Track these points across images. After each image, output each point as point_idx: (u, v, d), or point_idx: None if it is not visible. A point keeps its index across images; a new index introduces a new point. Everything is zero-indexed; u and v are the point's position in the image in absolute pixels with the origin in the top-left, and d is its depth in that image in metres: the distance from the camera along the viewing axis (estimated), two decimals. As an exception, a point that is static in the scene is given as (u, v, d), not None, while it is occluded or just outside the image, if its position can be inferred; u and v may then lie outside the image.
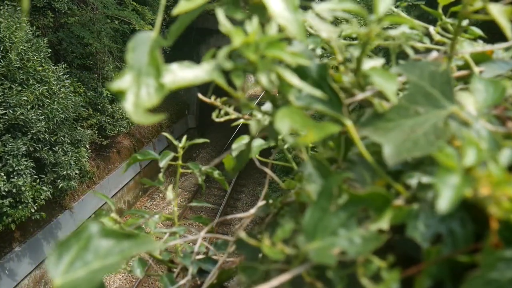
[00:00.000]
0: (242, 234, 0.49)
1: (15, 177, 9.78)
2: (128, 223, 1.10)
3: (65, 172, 11.19)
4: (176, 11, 0.53)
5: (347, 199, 0.46)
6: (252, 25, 0.48)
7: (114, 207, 1.19)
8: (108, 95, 14.40)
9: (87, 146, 12.53)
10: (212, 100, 0.91)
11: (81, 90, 13.31)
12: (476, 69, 0.73)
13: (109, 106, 14.44)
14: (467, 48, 0.72)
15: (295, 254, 0.45)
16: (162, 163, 1.24)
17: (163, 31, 17.86)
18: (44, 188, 10.56)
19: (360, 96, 0.55)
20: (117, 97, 0.47)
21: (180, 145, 1.25)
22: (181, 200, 16.97)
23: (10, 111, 9.92)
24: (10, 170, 9.73)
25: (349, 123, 0.48)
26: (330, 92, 0.49)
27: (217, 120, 0.92)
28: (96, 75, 14.42)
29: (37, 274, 11.74)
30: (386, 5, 0.54)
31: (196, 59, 20.91)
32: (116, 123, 14.58)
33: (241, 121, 0.94)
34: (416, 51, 0.79)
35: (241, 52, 0.47)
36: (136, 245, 0.42)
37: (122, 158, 15.82)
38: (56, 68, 11.55)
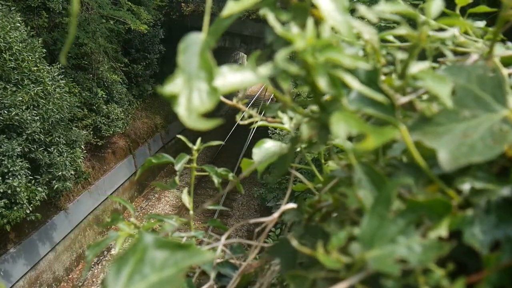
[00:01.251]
0: (294, 242, 0.48)
1: (10, 178, 9.71)
2: (146, 227, 1.08)
3: (60, 173, 11.13)
4: (226, 12, 0.51)
5: (406, 206, 0.45)
6: (309, 28, 0.47)
7: (133, 211, 1.17)
8: (103, 96, 14.34)
9: (82, 146, 12.46)
10: (234, 102, 0.89)
11: (76, 91, 13.25)
12: (505, 71, 0.73)
13: (104, 107, 14.38)
14: (499, 51, 0.71)
15: (351, 262, 0.44)
16: (178, 166, 1.23)
17: (158, 30, 17.75)
18: (39, 189, 10.49)
19: (404, 99, 0.54)
20: (169, 101, 0.45)
21: (195, 147, 1.24)
22: (177, 200, 16.93)
23: (5, 111, 9.85)
24: (5, 171, 9.65)
25: (403, 127, 0.47)
26: (382, 95, 0.48)
27: (241, 123, 0.90)
28: (91, 75, 14.35)
29: (32, 275, 11.66)
30: (438, 8, 0.53)
31: (192, 59, 20.86)
32: (111, 124, 14.52)
33: (260, 123, 0.92)
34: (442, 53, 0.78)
35: (297, 56, 0.45)
36: (189, 256, 0.41)
37: (117, 159, 15.75)
38: (51, 69, 11.48)
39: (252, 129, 20.18)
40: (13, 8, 11.46)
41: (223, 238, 0.96)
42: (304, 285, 0.47)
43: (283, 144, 0.98)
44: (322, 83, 0.44)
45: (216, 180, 1.21)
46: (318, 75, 0.44)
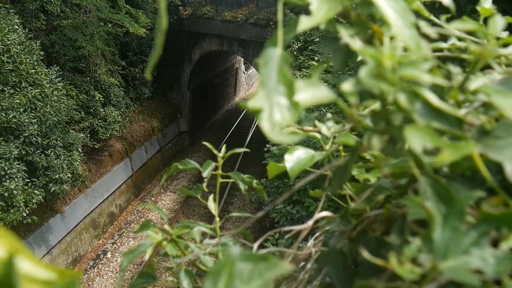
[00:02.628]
0: (366, 254, 0.49)
1: (7, 181, 9.67)
2: (176, 233, 1.09)
3: (57, 176, 11.09)
4: (301, 27, 0.52)
5: (479, 218, 0.46)
6: (386, 45, 0.48)
7: (167, 218, 1.17)
8: (101, 98, 14.32)
9: (79, 149, 12.43)
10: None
11: (73, 93, 13.22)
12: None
13: (102, 109, 14.36)
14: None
15: (425, 273, 0.45)
16: (206, 173, 1.23)
17: (155, 33, 17.88)
18: (36, 191, 10.46)
19: (462, 111, 0.55)
20: (255, 115, 0.46)
21: (220, 155, 1.24)
22: (174, 204, 16.90)
23: (3, 114, 9.81)
24: (2, 173, 9.61)
25: (472, 141, 0.48)
26: (456, 110, 0.49)
27: (293, 131, 0.91)
28: (88, 78, 14.33)
29: (27, 279, 11.58)
30: (501, 25, 0.54)
31: (189, 62, 20.86)
32: (108, 127, 14.49)
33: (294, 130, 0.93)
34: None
35: (377, 73, 0.46)
36: (271, 268, 0.42)
37: (114, 162, 15.71)
38: (48, 71, 11.45)
39: (249, 132, 20.15)
40: (11, 10, 11.44)
41: (255, 245, 0.97)
42: (372, 294, 0.48)
43: (314, 152, 0.99)
44: (402, 98, 0.46)
45: (242, 186, 1.22)
46: (399, 91, 0.45)
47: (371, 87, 0.46)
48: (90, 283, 12.81)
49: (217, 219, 1.22)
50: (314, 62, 8.52)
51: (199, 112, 23.39)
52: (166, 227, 1.07)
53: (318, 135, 1.04)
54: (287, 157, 1.00)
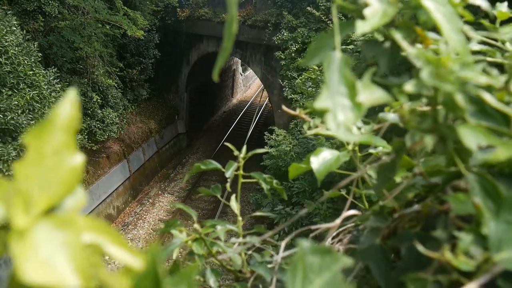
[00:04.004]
0: (420, 247, 0.51)
1: (5, 183, 9.65)
2: (203, 231, 1.11)
3: (55, 178, 11.06)
4: (359, 31, 0.54)
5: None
6: (444, 48, 0.50)
7: (196, 217, 1.19)
8: (98, 100, 14.30)
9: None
10: (297, 112, 0.93)
11: (71, 95, 13.18)
12: None
13: (99, 111, 14.33)
14: None
15: (479, 264, 0.47)
16: (228, 173, 1.25)
17: (153, 35, 17.71)
18: (34, 193, 10.43)
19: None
20: (318, 114, 0.48)
21: (241, 155, 1.26)
22: (172, 205, 16.87)
23: (0, 115, 9.78)
24: (0, 175, 9.59)
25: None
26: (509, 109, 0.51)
27: (308, 133, 0.93)
28: (86, 80, 14.30)
29: (25, 281, 11.55)
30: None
31: (186, 64, 20.87)
32: (106, 128, 14.47)
33: (324, 132, 0.95)
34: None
35: (435, 74, 0.49)
36: (335, 260, 0.44)
37: (112, 163, 15.69)
38: (46, 73, 11.43)
39: (247, 134, 20.13)
40: (9, 12, 11.42)
41: (283, 244, 0.99)
42: (425, 287, 0.50)
43: (339, 152, 1.01)
44: (460, 99, 0.48)
45: (265, 186, 1.24)
46: (457, 92, 0.48)
47: (432, 87, 0.49)
48: (88, 285, 12.76)
49: (240, 218, 1.24)
50: (315, 67, 8.53)
51: (197, 114, 23.39)
52: (196, 226, 1.08)
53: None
54: (313, 158, 1.02)
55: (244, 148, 1.23)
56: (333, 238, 1.11)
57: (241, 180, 1.26)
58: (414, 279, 0.51)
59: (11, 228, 0.30)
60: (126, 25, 13.75)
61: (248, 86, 37.23)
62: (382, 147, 1.06)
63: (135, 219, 15.93)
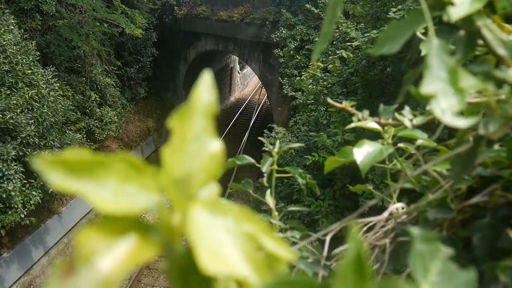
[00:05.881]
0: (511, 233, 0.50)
1: (5, 182, 9.60)
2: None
3: (55, 177, 11.02)
4: (453, 17, 0.53)
5: None
6: None
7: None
8: (97, 99, 14.25)
9: (76, 150, 12.35)
10: (343, 105, 0.91)
11: (69, 94, 13.14)
12: None
13: (98, 110, 14.28)
14: None
15: None
16: (265, 168, 1.24)
17: (151, 33, 17.64)
18: (33, 193, 10.38)
19: None
20: (421, 100, 0.47)
21: (275, 150, 1.25)
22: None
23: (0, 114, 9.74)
24: (0, 175, 9.54)
25: None
26: None
27: (351, 125, 0.92)
28: (84, 79, 14.25)
29: (25, 281, 11.51)
30: None
31: (184, 62, 20.81)
32: (104, 127, 14.42)
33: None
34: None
35: None
36: (437, 249, 0.43)
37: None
38: (45, 72, 11.38)
39: (246, 132, 20.12)
40: (6, 10, 11.37)
41: (328, 237, 0.97)
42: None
43: (381, 145, 1.00)
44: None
45: (300, 181, 1.23)
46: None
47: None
48: (88, 284, 12.74)
49: (276, 213, 1.23)
50: (320, 64, 8.51)
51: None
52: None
53: (379, 128, 1.05)
54: (356, 150, 1.01)
55: (278, 143, 1.22)
56: (365, 232, 1.10)
57: (275, 174, 1.25)
58: (505, 268, 0.50)
59: (163, 217, 0.29)
60: (124, 23, 13.70)
61: (246, 84, 37.18)
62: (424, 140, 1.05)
63: (134, 218, 15.89)
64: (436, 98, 0.47)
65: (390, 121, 0.90)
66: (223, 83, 28.96)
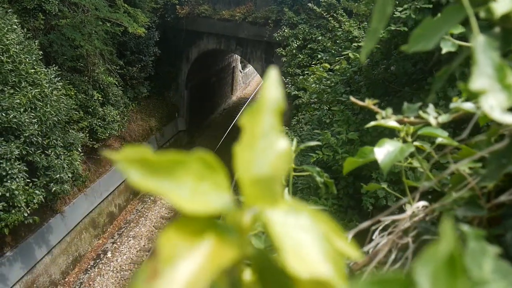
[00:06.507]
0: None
1: (8, 181, 9.61)
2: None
3: (58, 176, 11.04)
4: (498, 12, 0.53)
5: None
6: None
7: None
8: (99, 98, 14.27)
9: (79, 149, 12.38)
10: (366, 103, 0.91)
11: (72, 93, 13.15)
12: None
13: (100, 109, 14.30)
14: None
15: None
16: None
17: (153, 32, 17.64)
18: (37, 191, 10.39)
19: None
20: (470, 96, 0.48)
21: (293, 148, 1.25)
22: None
23: (3, 114, 9.75)
24: (3, 174, 9.56)
25: None
26: None
27: (371, 124, 0.92)
28: (86, 78, 14.26)
29: (28, 279, 11.53)
30: None
31: (186, 61, 20.81)
32: (107, 126, 14.44)
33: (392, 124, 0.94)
34: None
35: None
36: (483, 247, 0.43)
37: (113, 161, 15.65)
38: (47, 71, 11.39)
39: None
40: (9, 10, 11.38)
41: (350, 235, 0.97)
42: None
43: (401, 144, 1.00)
44: None
45: (318, 179, 1.23)
46: None
47: None
48: (91, 282, 12.77)
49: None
50: (327, 65, 8.49)
51: (197, 111, 23.35)
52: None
53: (398, 125, 1.05)
54: (377, 150, 1.01)
55: (295, 141, 1.22)
56: (382, 231, 1.09)
57: (293, 173, 1.25)
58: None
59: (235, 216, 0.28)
60: (127, 23, 13.70)
61: (248, 84, 37.16)
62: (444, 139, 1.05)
63: (137, 217, 15.92)
64: (484, 95, 0.48)
65: (412, 119, 0.90)
66: (225, 82, 28.96)
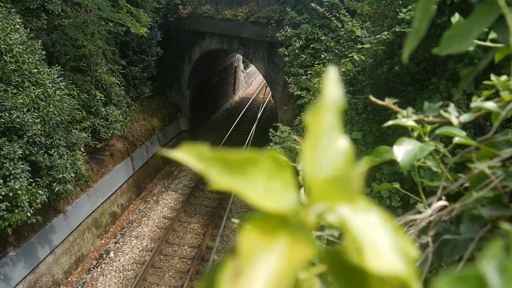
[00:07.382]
0: None
1: (12, 181, 9.63)
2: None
3: (61, 176, 11.05)
4: None
5: None
6: None
7: None
8: (102, 98, 14.27)
9: (82, 149, 12.39)
10: (386, 102, 0.91)
11: (75, 93, 13.16)
12: None
13: (103, 109, 14.31)
14: None
15: None
16: (300, 166, 1.24)
17: (155, 32, 17.66)
18: (40, 191, 10.40)
19: None
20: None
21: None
22: (175, 203, 16.87)
23: (6, 114, 9.76)
24: (7, 173, 9.57)
25: None
26: None
27: (389, 123, 0.92)
28: (89, 78, 14.28)
29: (31, 279, 11.55)
30: None
31: (189, 61, 20.83)
32: (110, 126, 14.45)
33: (410, 124, 0.94)
34: None
35: None
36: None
37: (115, 161, 15.68)
38: (50, 71, 11.40)
39: (250, 131, 20.10)
40: (12, 10, 11.39)
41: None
42: None
43: (420, 143, 1.00)
44: None
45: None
46: None
47: None
48: (93, 282, 12.78)
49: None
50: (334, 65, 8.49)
51: (199, 111, 23.37)
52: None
53: (416, 125, 1.05)
54: (396, 148, 1.01)
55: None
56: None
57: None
58: None
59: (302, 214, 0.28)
60: (129, 23, 13.72)
61: (250, 83, 37.18)
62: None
63: (139, 217, 15.93)
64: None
65: (431, 118, 0.90)
66: (227, 82, 28.98)
